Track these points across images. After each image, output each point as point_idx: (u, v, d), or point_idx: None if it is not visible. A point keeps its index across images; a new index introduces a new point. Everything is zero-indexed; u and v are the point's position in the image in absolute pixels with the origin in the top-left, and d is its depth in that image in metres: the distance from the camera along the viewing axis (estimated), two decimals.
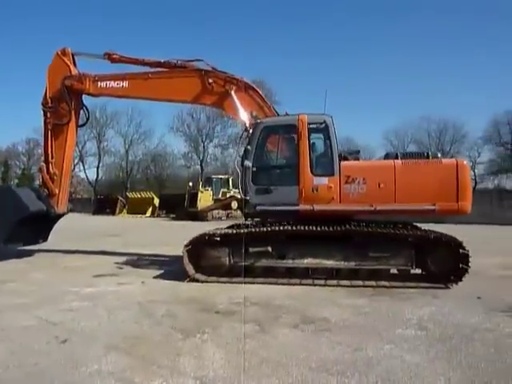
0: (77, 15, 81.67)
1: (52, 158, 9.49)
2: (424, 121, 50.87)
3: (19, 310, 5.36)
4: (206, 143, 53.43)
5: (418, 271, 6.95)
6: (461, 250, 6.53)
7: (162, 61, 9.18)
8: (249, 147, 7.40)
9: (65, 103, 9.37)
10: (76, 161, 57.27)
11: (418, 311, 5.31)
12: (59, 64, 9.46)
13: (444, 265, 6.67)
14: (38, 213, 9.04)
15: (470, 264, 6.47)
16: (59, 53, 9.50)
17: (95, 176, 57.12)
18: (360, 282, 6.68)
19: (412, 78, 75.76)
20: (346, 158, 7.40)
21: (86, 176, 57.68)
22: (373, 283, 6.65)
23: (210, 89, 8.52)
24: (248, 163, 7.30)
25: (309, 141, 7.22)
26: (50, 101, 9.40)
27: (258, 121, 7.55)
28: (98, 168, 57.02)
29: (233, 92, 8.32)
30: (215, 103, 8.75)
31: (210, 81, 8.50)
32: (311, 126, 7.25)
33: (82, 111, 10.00)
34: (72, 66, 9.52)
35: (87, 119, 10.22)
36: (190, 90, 8.75)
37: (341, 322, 4.91)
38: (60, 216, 10.08)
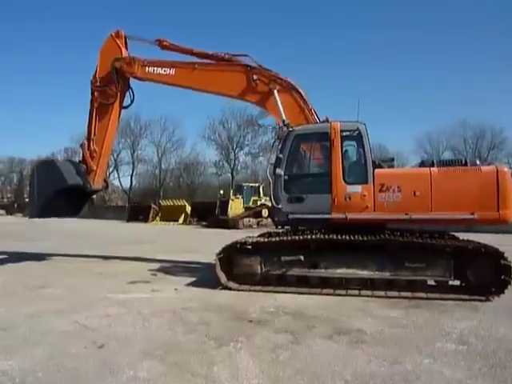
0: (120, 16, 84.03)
1: (94, 135, 9.80)
2: (460, 126, 49.40)
3: (57, 315, 5.53)
4: (236, 151, 53.96)
5: (457, 283, 6.69)
6: (502, 261, 6.25)
7: (210, 53, 9.28)
8: (281, 155, 7.37)
9: (112, 84, 9.65)
10: (111, 169, 59.05)
11: (457, 324, 5.11)
12: (111, 45, 9.77)
13: (484, 276, 6.39)
14: (75, 186, 9.47)
15: None
16: (113, 34, 9.79)
17: (129, 184, 58.62)
18: (396, 293, 6.51)
19: (446, 83, 74.03)
20: (379, 166, 7.26)
21: (121, 184, 59.28)
22: (409, 294, 6.45)
23: (254, 86, 8.49)
24: (280, 171, 7.27)
25: (341, 148, 7.13)
26: (98, 80, 9.72)
27: (290, 129, 7.50)
28: (131, 176, 58.55)
29: (276, 91, 8.25)
30: (258, 102, 8.70)
31: (255, 77, 8.48)
32: (344, 133, 7.15)
33: (128, 94, 10.17)
34: (123, 49, 9.79)
35: (132, 101, 10.34)
36: (235, 85, 8.76)
37: (376, 333, 4.79)
38: (95, 192, 10.46)
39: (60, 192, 9.28)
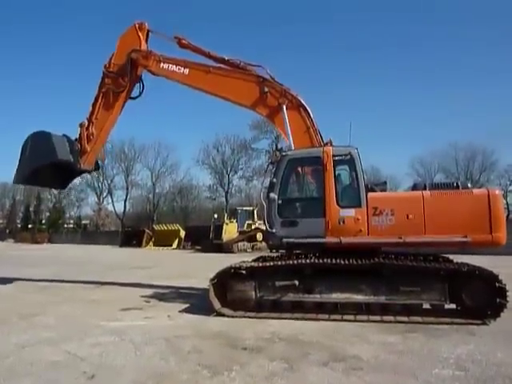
0: None
1: (96, 118, 9.81)
2: (451, 148, 49.91)
3: (48, 344, 5.40)
4: (230, 175, 54.12)
5: (453, 306, 6.65)
6: (497, 284, 6.25)
7: (227, 58, 9.35)
8: (274, 180, 7.41)
9: (125, 74, 9.68)
10: (105, 194, 58.93)
11: (454, 349, 5.05)
12: (132, 36, 9.85)
13: (480, 299, 6.36)
14: (65, 163, 9.57)
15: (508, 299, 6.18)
16: (136, 26, 9.88)
17: (123, 209, 58.32)
18: (391, 318, 6.45)
19: (438, 105, 75.43)
20: (372, 190, 7.30)
21: (114, 209, 58.97)
22: (405, 319, 6.39)
23: (264, 98, 8.56)
24: (273, 196, 7.29)
25: (334, 173, 7.19)
26: (112, 66, 9.79)
27: (283, 153, 7.58)
28: (125, 201, 58.31)
29: (284, 107, 8.31)
30: (268, 115, 8.75)
31: (266, 90, 8.54)
32: (336, 158, 7.22)
33: (137, 85, 10.15)
34: (143, 41, 9.86)
35: (140, 94, 10.30)
36: (246, 94, 8.81)
37: (373, 360, 4.72)
38: (83, 172, 10.62)
39: (49, 164, 9.45)
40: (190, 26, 77.86)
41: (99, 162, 10.88)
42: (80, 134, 9.89)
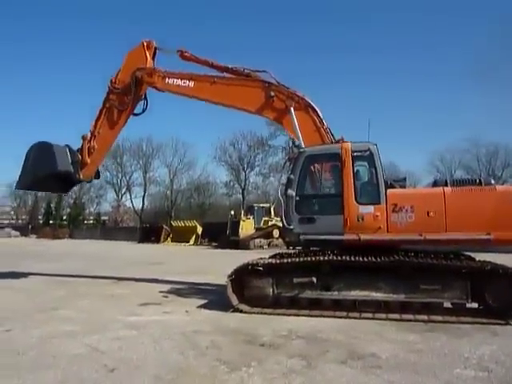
0: None
1: (98, 133, 10.02)
2: (472, 145, 48.68)
3: (69, 338, 5.50)
4: (247, 172, 54.06)
5: (475, 305, 6.52)
6: None
7: (230, 66, 9.43)
8: (292, 176, 7.37)
9: (129, 91, 9.80)
10: (123, 190, 59.67)
11: (476, 349, 4.95)
12: (139, 54, 9.97)
13: (503, 299, 6.22)
14: (65, 173, 9.96)
15: None
16: (144, 44, 10.01)
17: (141, 205, 58.97)
18: (411, 316, 6.36)
19: (459, 101, 73.93)
20: (392, 186, 7.21)
21: (133, 205, 59.62)
22: (425, 317, 6.30)
23: (271, 102, 8.59)
24: (291, 192, 7.26)
25: (353, 169, 7.11)
26: (118, 82, 9.92)
27: (301, 150, 7.53)
28: (143, 197, 58.91)
29: (292, 109, 8.32)
30: (275, 118, 8.79)
31: (272, 94, 8.56)
32: (355, 154, 7.14)
33: (142, 102, 10.23)
34: (149, 60, 9.96)
35: (143, 110, 10.33)
36: (252, 101, 8.85)
37: (392, 358, 4.65)
38: (81, 181, 10.98)
39: (50, 175, 9.84)
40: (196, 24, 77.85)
41: (99, 172, 11.17)
42: (82, 146, 10.11)
